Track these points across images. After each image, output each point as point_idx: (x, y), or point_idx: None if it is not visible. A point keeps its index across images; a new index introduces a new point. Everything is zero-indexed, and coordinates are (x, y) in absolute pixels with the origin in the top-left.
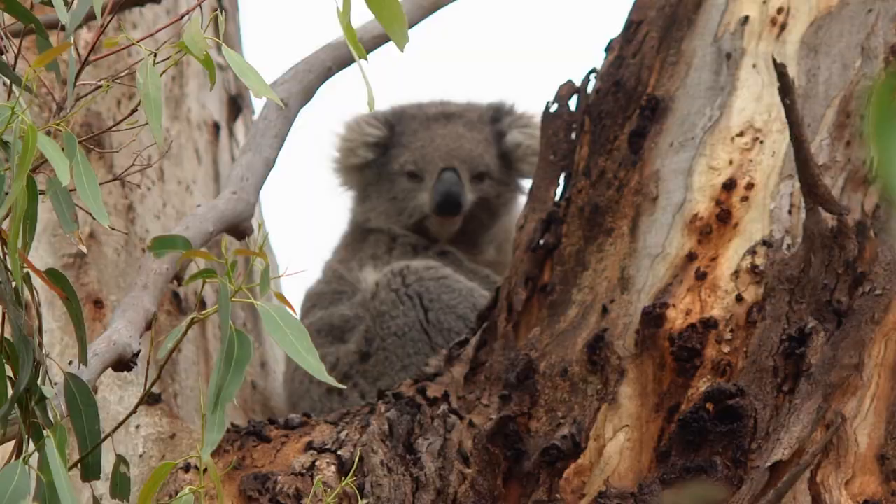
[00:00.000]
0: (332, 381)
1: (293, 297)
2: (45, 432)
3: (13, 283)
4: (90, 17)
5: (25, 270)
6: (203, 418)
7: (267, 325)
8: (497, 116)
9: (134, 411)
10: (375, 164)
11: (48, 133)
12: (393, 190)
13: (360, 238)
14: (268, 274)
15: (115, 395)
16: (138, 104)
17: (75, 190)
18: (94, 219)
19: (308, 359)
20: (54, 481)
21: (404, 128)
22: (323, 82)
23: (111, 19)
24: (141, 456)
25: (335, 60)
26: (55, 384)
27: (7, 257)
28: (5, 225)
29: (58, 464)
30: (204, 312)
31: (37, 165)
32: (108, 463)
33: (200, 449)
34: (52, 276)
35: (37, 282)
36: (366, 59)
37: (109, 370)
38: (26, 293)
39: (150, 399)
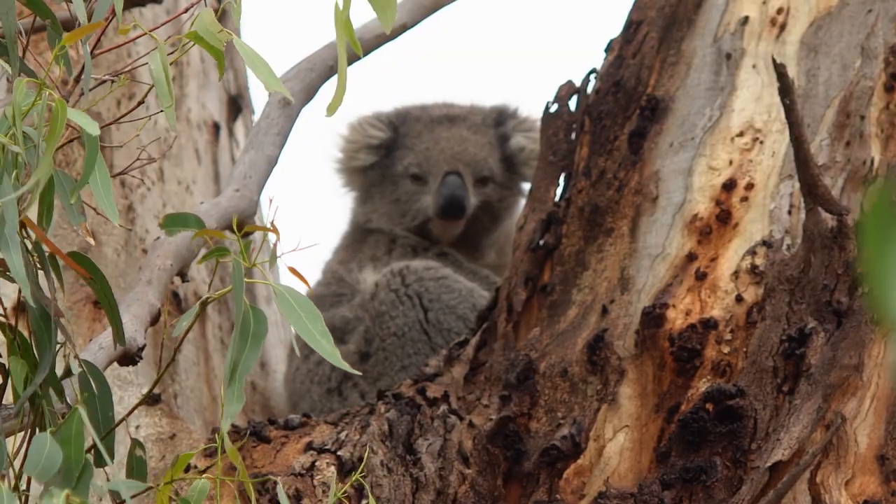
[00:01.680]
0: (347, 367)
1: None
2: (58, 412)
3: (35, 266)
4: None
5: (47, 252)
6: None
7: (281, 307)
8: (501, 120)
9: (143, 402)
10: (378, 166)
11: None
12: (396, 192)
13: (360, 239)
14: (276, 248)
15: (115, 396)
16: (144, 98)
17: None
18: (98, 213)
19: (322, 343)
20: (95, 441)
21: (408, 130)
22: (325, 81)
23: (112, 18)
24: None
25: (337, 59)
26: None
27: (27, 240)
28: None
29: (90, 429)
30: (219, 292)
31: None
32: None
33: (205, 442)
34: (76, 258)
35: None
36: (361, 55)
37: (110, 369)
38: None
39: (150, 399)
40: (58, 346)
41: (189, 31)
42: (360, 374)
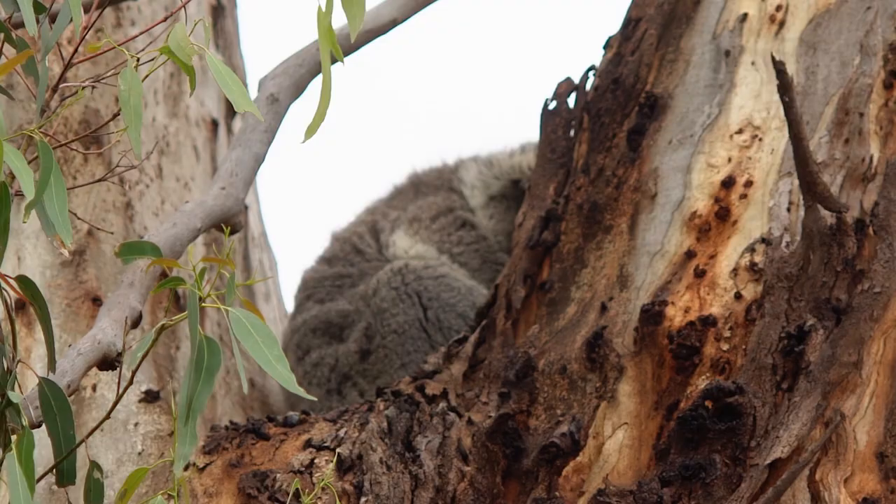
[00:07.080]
0: (302, 392)
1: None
2: (11, 442)
3: None
4: (87, 6)
5: None
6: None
7: (237, 331)
8: None
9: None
10: None
11: (31, 138)
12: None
13: (414, 195)
14: (233, 281)
15: (113, 393)
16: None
17: (73, 188)
18: (96, 210)
19: (278, 368)
20: (18, 495)
21: None
22: (314, 77)
23: (96, 20)
24: (140, 454)
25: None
26: (33, 389)
27: None
28: None
29: (17, 478)
30: (176, 318)
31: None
32: (106, 460)
33: (203, 440)
34: (22, 283)
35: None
36: (342, 61)
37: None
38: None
39: (148, 397)
40: (16, 362)
41: (163, 46)
42: (315, 398)
